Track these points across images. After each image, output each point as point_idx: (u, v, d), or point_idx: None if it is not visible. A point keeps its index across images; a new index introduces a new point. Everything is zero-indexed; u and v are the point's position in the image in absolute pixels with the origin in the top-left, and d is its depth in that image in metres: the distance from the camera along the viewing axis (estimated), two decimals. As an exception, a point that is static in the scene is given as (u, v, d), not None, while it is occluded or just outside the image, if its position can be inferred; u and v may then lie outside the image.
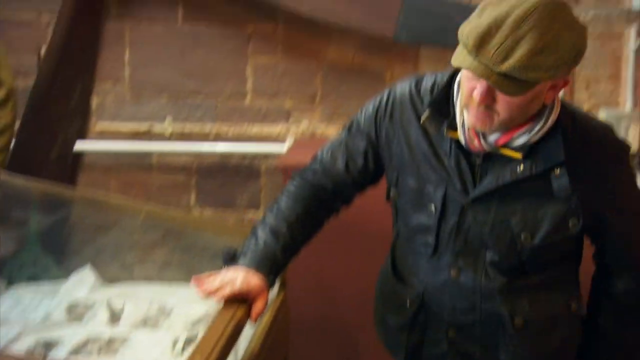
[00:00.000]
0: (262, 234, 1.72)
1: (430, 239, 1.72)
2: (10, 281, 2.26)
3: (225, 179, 3.65)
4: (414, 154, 1.73)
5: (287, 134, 3.58)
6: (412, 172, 1.74)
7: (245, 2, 3.50)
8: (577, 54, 1.46)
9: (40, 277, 2.41)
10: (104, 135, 3.63)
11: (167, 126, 3.62)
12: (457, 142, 1.66)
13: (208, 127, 3.62)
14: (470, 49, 1.46)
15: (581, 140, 1.61)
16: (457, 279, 1.70)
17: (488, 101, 1.51)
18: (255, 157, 3.62)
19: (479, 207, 1.65)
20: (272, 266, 1.69)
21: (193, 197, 3.67)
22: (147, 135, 3.63)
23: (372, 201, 1.95)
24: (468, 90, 1.54)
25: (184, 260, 2.63)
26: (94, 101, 3.61)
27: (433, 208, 1.70)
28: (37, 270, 2.54)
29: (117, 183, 3.66)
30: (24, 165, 3.18)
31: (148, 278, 2.52)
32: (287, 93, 3.57)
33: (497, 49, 1.42)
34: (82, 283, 2.13)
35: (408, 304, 1.79)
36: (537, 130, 1.58)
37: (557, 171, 1.58)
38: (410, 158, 1.74)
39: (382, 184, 1.85)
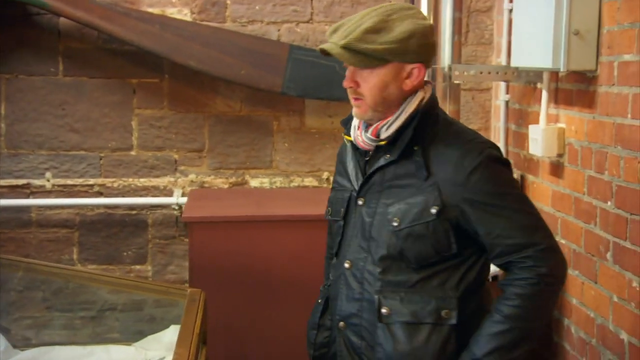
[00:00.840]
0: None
1: (338, 239, 1.92)
2: None
3: (110, 232, 3.56)
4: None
5: (175, 186, 3.56)
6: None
7: (129, 55, 3.46)
8: (410, 37, 1.72)
9: None
10: (-22, 192, 3.44)
11: (47, 181, 3.49)
12: (354, 146, 1.88)
13: (92, 181, 3.52)
14: (327, 35, 1.78)
15: (446, 135, 1.79)
16: (350, 269, 1.86)
17: (353, 84, 1.77)
18: (142, 209, 3.56)
19: (369, 202, 1.84)
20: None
21: (75, 252, 3.54)
22: (26, 190, 3.47)
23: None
24: (345, 86, 1.81)
25: (96, 318, 2.54)
26: (-32, 157, 3.42)
27: (342, 212, 1.91)
28: None
29: (-7, 241, 3.47)
30: None
31: (56, 341, 2.42)
32: (174, 145, 3.56)
33: (344, 30, 1.74)
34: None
35: (319, 302, 2.01)
36: (396, 118, 1.78)
37: (416, 157, 1.77)
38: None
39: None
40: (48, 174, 3.50)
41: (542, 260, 1.70)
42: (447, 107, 2.76)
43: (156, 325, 2.25)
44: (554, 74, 2.60)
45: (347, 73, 1.80)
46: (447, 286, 1.77)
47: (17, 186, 3.48)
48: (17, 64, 3.42)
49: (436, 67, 2.76)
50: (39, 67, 3.44)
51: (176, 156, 3.56)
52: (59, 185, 3.51)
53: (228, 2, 3.51)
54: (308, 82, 3.39)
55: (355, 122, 1.87)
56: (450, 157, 1.74)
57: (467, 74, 2.75)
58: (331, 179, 3.61)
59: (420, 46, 1.74)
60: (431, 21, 2.72)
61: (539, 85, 2.79)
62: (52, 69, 3.45)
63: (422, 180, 1.75)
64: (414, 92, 1.79)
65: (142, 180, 3.55)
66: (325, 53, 1.77)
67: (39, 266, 2.43)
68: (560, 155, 2.58)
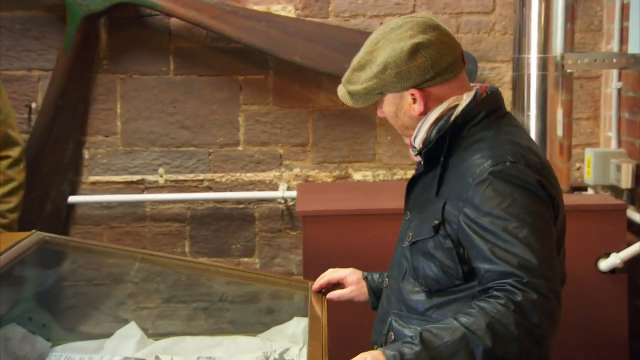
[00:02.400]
0: None
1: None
2: (53, 341, 2.18)
3: (219, 226, 3.61)
4: None
5: (280, 180, 3.58)
6: None
7: (235, 52, 3.50)
8: (384, 69, 1.62)
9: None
10: (96, 187, 3.55)
11: (160, 176, 3.57)
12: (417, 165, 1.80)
13: (201, 176, 3.58)
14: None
15: (475, 144, 1.62)
16: (386, 287, 1.79)
17: (381, 114, 1.75)
18: (249, 203, 3.60)
19: (411, 216, 1.74)
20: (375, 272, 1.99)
21: (187, 245, 3.61)
22: (140, 186, 3.56)
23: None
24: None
25: (214, 310, 2.59)
26: (86, 154, 3.53)
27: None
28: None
29: (110, 234, 3.58)
30: (18, 222, 3.07)
31: (188, 332, 2.48)
32: (279, 140, 3.57)
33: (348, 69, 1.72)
34: (128, 339, 2.07)
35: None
36: (418, 130, 1.68)
37: (438, 169, 1.64)
38: None
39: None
40: (161, 170, 3.57)
41: (521, 292, 1.41)
42: (559, 97, 2.66)
43: (277, 317, 2.27)
44: (675, 60, 2.47)
45: None
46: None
47: (132, 182, 3.57)
48: (131, 64, 3.50)
49: (547, 56, 2.66)
50: (152, 67, 3.51)
51: (281, 151, 3.58)
52: (171, 181, 3.58)
53: (331, -3, 3.50)
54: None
55: None
56: (462, 169, 1.58)
57: (581, 62, 2.65)
58: (435, 171, 3.56)
59: (399, 75, 1.61)
60: (543, 8, 2.63)
61: (657, 72, 2.66)
62: (164, 68, 3.52)
63: (434, 194, 1.64)
64: (422, 117, 1.66)
65: (248, 174, 3.59)
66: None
67: (158, 257, 2.48)
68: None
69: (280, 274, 2.55)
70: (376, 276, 2.01)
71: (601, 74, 3.35)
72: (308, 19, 3.47)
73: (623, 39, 3.05)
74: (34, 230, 2.20)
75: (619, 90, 3.08)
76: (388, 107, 1.70)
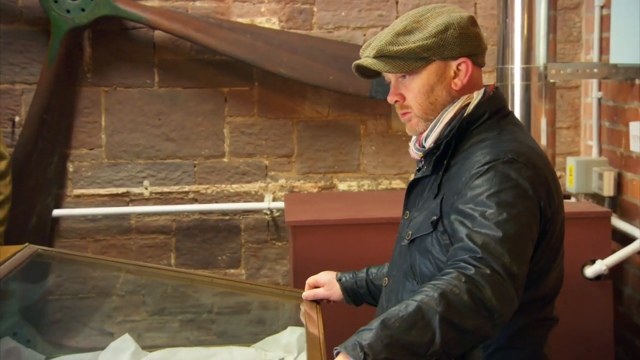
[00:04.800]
0: None
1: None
2: (48, 354, 2.15)
3: (205, 238, 3.59)
4: None
5: (265, 191, 3.57)
6: None
7: (220, 65, 3.48)
8: (446, 29, 1.56)
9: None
10: (81, 200, 3.51)
11: (145, 189, 3.54)
12: (418, 163, 1.74)
13: (186, 188, 3.56)
14: (360, 53, 1.65)
15: (478, 145, 1.58)
16: (385, 287, 1.75)
17: (398, 97, 1.63)
18: (234, 214, 3.58)
19: (410, 216, 1.70)
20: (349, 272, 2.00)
21: (173, 257, 3.58)
22: (125, 198, 3.53)
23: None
24: (390, 102, 1.68)
25: (206, 321, 2.56)
26: (70, 167, 3.50)
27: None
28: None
29: (95, 247, 3.54)
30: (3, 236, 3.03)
31: (182, 344, 2.45)
32: (264, 151, 3.56)
33: (376, 41, 1.61)
34: (123, 351, 2.04)
35: None
36: (432, 129, 1.62)
37: (441, 172, 1.61)
38: None
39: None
40: (146, 182, 3.55)
41: (474, 267, 1.36)
42: (542, 107, 2.68)
43: (270, 327, 2.25)
44: (657, 69, 2.50)
45: (390, 88, 1.66)
46: None
47: (117, 195, 3.53)
48: (115, 77, 3.47)
49: (531, 66, 2.68)
50: (136, 79, 3.48)
51: (266, 162, 3.57)
52: (156, 193, 3.55)
53: (315, 9, 3.50)
54: (396, 86, 3.36)
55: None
56: (462, 168, 1.55)
57: (564, 72, 2.67)
58: (419, 180, 3.57)
59: (460, 37, 1.57)
60: (525, 20, 2.66)
61: (637, 81, 2.69)
62: (148, 81, 3.49)
63: (434, 195, 1.60)
64: (463, 94, 1.61)
65: (234, 186, 3.57)
66: (363, 74, 1.66)
67: (156, 270, 2.46)
68: (664, 152, 2.48)
69: (272, 284, 2.53)
70: (349, 277, 2.00)
71: (580, 84, 3.38)
72: (292, 31, 3.47)
73: (602, 49, 3.09)
74: (26, 244, 2.16)
75: (599, 100, 3.11)
76: (427, 78, 1.59)
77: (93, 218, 3.52)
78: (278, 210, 3.54)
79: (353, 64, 1.65)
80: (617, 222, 2.84)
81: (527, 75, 2.67)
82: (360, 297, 2.00)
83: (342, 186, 3.57)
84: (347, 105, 3.52)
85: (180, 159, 3.54)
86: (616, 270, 2.79)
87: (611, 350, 2.72)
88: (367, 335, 1.31)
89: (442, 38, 1.57)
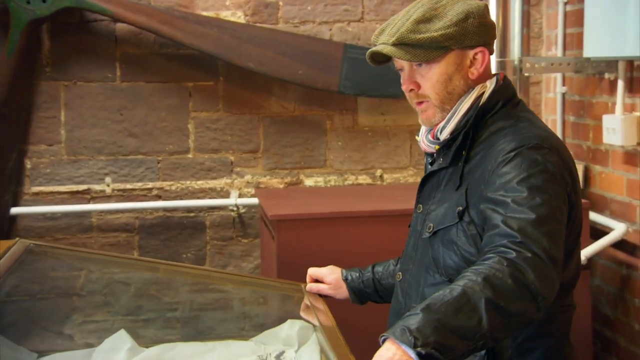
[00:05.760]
0: None
1: (403, 250, 1.79)
2: (40, 353, 2.06)
3: (169, 235, 3.52)
4: None
5: (231, 187, 3.52)
6: None
7: (184, 58, 3.41)
8: (467, 17, 1.55)
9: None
10: (39, 198, 3.39)
11: (107, 185, 3.44)
12: (428, 156, 1.74)
13: (150, 184, 3.48)
14: (373, 40, 1.62)
15: (498, 134, 1.57)
16: (399, 281, 1.73)
17: (414, 85, 1.60)
18: (200, 211, 3.52)
19: (424, 209, 1.69)
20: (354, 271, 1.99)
21: (136, 255, 3.49)
22: (86, 196, 3.43)
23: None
24: (403, 89, 1.64)
25: (199, 315, 2.49)
26: (28, 164, 3.37)
27: (412, 220, 1.77)
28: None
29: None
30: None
31: (180, 339, 2.37)
32: (230, 147, 3.51)
33: (391, 28, 1.57)
34: (119, 348, 1.97)
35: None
36: (448, 120, 1.61)
37: (460, 163, 1.59)
38: None
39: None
40: (108, 179, 3.45)
41: (514, 251, 1.36)
42: (516, 100, 2.72)
43: (267, 320, 2.22)
44: (629, 64, 2.57)
45: (404, 76, 1.62)
46: None
47: (77, 192, 3.42)
48: (75, 71, 3.36)
49: (506, 60, 2.72)
50: (97, 73, 3.38)
51: (232, 158, 3.52)
52: (118, 190, 3.45)
53: (280, 3, 3.46)
54: (363, 80, 3.35)
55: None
56: (485, 157, 1.54)
57: (539, 66, 2.72)
58: (384, 176, 3.58)
59: (480, 26, 1.57)
60: (501, 14, 2.69)
61: (606, 75, 2.76)
62: (110, 75, 3.39)
63: (454, 187, 1.59)
64: (478, 83, 1.60)
65: (199, 182, 3.51)
66: (375, 60, 1.63)
67: (171, 266, 2.39)
68: (638, 144, 2.55)
69: (266, 277, 2.49)
70: (355, 276, 1.98)
71: (542, 80, 3.45)
72: (258, 25, 3.43)
73: (566, 45, 3.16)
74: (17, 238, 2.08)
75: (564, 95, 3.18)
76: (446, 67, 1.57)
77: (52, 216, 3.40)
78: (244, 206, 3.49)
79: (370, 50, 1.61)
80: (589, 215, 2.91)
81: (502, 68, 2.71)
82: (367, 296, 1.98)
83: (308, 182, 3.55)
84: (313, 100, 3.50)
85: (143, 155, 3.45)
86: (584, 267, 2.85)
87: (589, 341, 2.77)
88: (413, 320, 1.29)
89: (463, 27, 1.56)
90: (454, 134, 1.61)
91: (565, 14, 3.12)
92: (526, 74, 2.70)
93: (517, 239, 1.37)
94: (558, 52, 3.19)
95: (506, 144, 1.52)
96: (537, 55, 3.45)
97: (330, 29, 3.48)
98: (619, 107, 2.56)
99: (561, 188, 1.50)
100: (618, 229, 2.57)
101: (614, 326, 2.77)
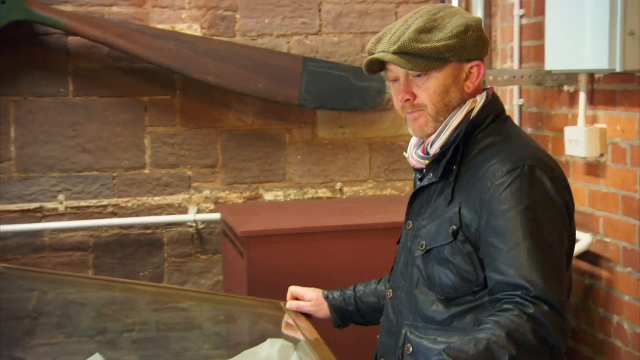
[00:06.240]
0: None
1: (392, 266, 1.76)
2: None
3: (125, 253, 3.43)
4: None
5: (189, 202, 3.46)
6: None
7: (139, 72, 3.33)
8: (466, 30, 1.55)
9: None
10: (-11, 218, 3.26)
11: (60, 203, 3.33)
12: (417, 171, 1.72)
13: (105, 201, 3.38)
14: (370, 48, 1.60)
15: (490, 150, 1.57)
16: (390, 298, 1.71)
17: (410, 95, 1.58)
18: (157, 228, 3.44)
19: (414, 224, 1.67)
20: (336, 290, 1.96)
21: (91, 275, 3.39)
22: (38, 214, 3.31)
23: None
24: (395, 100, 1.63)
25: (168, 337, 2.41)
26: (-24, 182, 3.24)
27: (400, 236, 1.75)
28: None
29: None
30: None
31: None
32: (187, 162, 3.44)
33: (391, 37, 1.56)
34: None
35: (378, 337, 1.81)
36: (439, 134, 1.60)
37: (451, 178, 1.59)
38: None
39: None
40: (60, 197, 3.34)
41: (532, 304, 1.38)
42: (479, 112, 2.74)
43: (246, 339, 2.17)
44: (590, 76, 2.62)
45: (398, 86, 1.60)
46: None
47: (29, 210, 3.30)
48: (26, 86, 3.24)
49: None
50: (48, 88, 3.27)
51: (190, 173, 3.45)
52: (72, 207, 3.35)
53: (237, 16, 3.42)
54: (323, 94, 3.34)
55: (413, 139, 1.70)
56: (477, 174, 1.53)
57: (501, 79, 2.75)
58: (344, 189, 3.57)
59: (478, 39, 1.57)
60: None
61: (565, 87, 2.81)
62: (62, 89, 3.29)
63: (446, 204, 1.57)
64: (471, 97, 1.60)
65: (156, 198, 3.43)
66: (369, 69, 1.60)
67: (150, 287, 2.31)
68: (601, 155, 2.59)
69: (243, 295, 2.42)
70: (337, 294, 1.95)
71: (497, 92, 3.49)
72: (215, 38, 3.38)
73: (522, 57, 3.21)
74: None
75: (521, 107, 3.23)
76: (444, 78, 1.56)
77: (2, 236, 3.27)
78: (203, 222, 3.43)
79: (369, 58, 1.58)
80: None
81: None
82: (349, 315, 1.94)
83: (268, 196, 3.51)
84: (272, 113, 3.47)
85: (97, 171, 3.36)
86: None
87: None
88: None
89: (463, 39, 1.55)
90: (444, 148, 1.60)
91: (521, 26, 3.16)
92: (488, 87, 2.71)
93: (531, 292, 1.40)
94: (514, 64, 3.24)
95: (500, 164, 1.52)
96: (493, 68, 3.49)
97: (288, 42, 3.46)
98: (581, 119, 2.60)
99: (561, 211, 1.51)
100: (583, 240, 2.60)
101: (578, 336, 2.80)
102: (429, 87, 1.57)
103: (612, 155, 2.54)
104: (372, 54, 1.59)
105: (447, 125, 1.59)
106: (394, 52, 1.54)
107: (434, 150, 1.61)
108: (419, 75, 1.57)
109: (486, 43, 1.62)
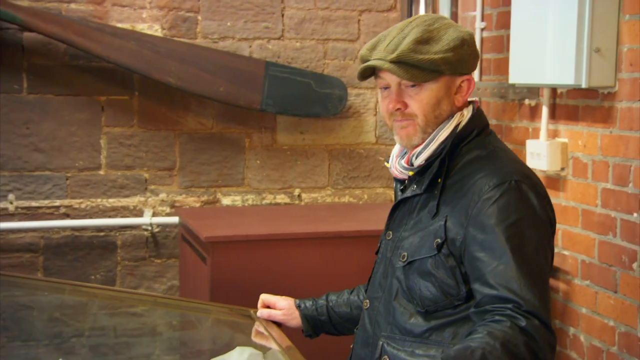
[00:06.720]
0: None
1: (369, 277, 1.75)
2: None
3: (77, 256, 3.34)
4: None
5: (145, 205, 3.39)
6: None
7: (97, 71, 3.26)
8: (462, 44, 1.55)
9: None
10: None
11: (10, 203, 3.23)
12: (398, 182, 1.72)
13: (57, 202, 3.29)
14: (364, 55, 1.59)
15: (475, 164, 1.58)
16: (367, 309, 1.69)
17: (401, 105, 1.58)
18: (110, 230, 3.36)
19: (394, 236, 1.66)
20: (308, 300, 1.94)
21: (40, 277, 3.29)
22: (-13, 215, 3.20)
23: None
24: (385, 107, 1.62)
25: (127, 342, 2.33)
26: None
27: (378, 247, 1.74)
28: None
29: (-49, 270, 3.17)
30: None
31: None
32: (144, 164, 3.38)
33: (387, 45, 1.55)
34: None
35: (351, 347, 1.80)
36: (425, 146, 1.59)
37: (436, 191, 1.58)
38: None
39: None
40: (11, 196, 3.23)
41: (524, 318, 1.39)
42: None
43: (209, 346, 2.12)
44: (553, 91, 2.67)
45: (388, 94, 1.59)
46: (459, 339, 1.50)
47: (-23, 210, 3.20)
48: (-23, 81, 3.15)
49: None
50: (2, 85, 3.15)
51: (146, 175, 3.39)
52: (22, 208, 3.25)
53: (199, 18, 3.38)
54: (285, 99, 3.32)
55: (395, 150, 1.70)
56: (464, 187, 1.54)
57: (466, 91, 2.77)
58: (302, 195, 3.55)
59: (472, 54, 1.58)
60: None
61: (526, 101, 2.85)
62: (16, 86, 3.19)
63: (430, 217, 1.57)
64: (459, 111, 1.60)
65: (111, 200, 3.35)
66: (363, 76, 1.59)
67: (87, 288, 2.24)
68: (562, 169, 2.64)
69: (211, 302, 2.37)
70: (309, 304, 1.93)
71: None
72: (176, 39, 3.33)
73: (482, 70, 3.25)
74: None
75: (480, 118, 3.26)
76: (437, 90, 1.56)
77: (-52, 237, 3.16)
78: (159, 225, 3.37)
79: (366, 64, 1.56)
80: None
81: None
82: (320, 325, 1.91)
83: (225, 201, 3.46)
84: (232, 117, 3.43)
85: (50, 171, 3.27)
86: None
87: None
88: None
89: (459, 53, 1.56)
90: (429, 160, 1.60)
91: (482, 40, 3.20)
92: (474, 99, 2.73)
93: (522, 306, 1.40)
94: (475, 77, 3.27)
95: (487, 178, 1.52)
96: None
97: (250, 46, 3.43)
98: (543, 132, 2.64)
99: (546, 228, 1.53)
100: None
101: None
102: (422, 98, 1.57)
103: (572, 170, 2.58)
104: (366, 60, 1.58)
105: (434, 138, 1.59)
106: (392, 61, 1.53)
107: (419, 162, 1.61)
108: (413, 85, 1.57)
109: (477, 58, 1.62)
